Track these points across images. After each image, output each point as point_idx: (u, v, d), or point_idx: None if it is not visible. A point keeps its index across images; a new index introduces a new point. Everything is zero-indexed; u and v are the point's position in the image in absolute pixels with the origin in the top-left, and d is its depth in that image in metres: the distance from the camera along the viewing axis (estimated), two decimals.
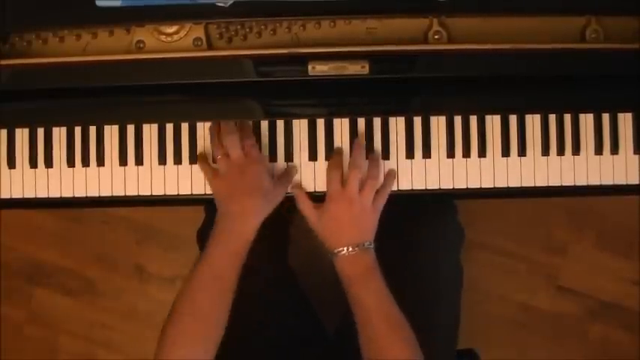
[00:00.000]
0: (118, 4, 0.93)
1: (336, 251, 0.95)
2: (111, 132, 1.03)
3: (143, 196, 1.03)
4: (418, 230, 1.10)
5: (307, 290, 1.20)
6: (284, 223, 1.21)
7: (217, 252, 0.93)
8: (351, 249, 0.94)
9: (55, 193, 1.03)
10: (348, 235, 0.95)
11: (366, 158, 1.01)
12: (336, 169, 0.98)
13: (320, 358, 1.10)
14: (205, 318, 0.90)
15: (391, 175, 1.01)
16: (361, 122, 1.03)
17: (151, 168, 1.03)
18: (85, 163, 1.03)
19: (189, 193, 1.03)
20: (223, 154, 0.97)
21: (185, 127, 1.03)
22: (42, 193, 1.04)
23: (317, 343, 1.14)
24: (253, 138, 0.99)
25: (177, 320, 0.90)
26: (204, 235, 1.16)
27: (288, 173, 1.01)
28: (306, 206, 0.99)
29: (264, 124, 1.02)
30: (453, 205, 1.17)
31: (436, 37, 0.99)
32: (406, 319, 0.93)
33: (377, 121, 1.03)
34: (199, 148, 1.03)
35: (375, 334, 0.92)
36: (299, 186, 1.01)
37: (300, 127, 1.03)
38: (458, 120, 1.03)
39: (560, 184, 1.03)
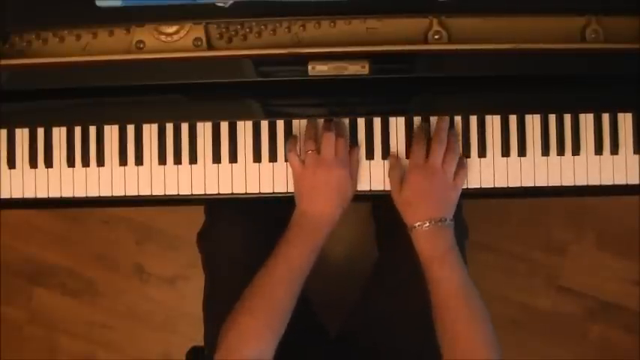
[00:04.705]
0: (118, 4, 0.93)
1: (416, 225, 0.93)
2: (111, 132, 1.03)
3: (143, 196, 1.03)
4: None
5: (309, 292, 1.20)
6: (286, 225, 1.21)
7: (296, 252, 0.94)
8: (430, 223, 0.92)
9: (55, 193, 1.03)
10: (428, 208, 0.93)
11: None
12: (422, 142, 0.97)
13: (320, 359, 1.10)
14: (282, 312, 0.92)
15: (463, 160, 1.00)
16: (361, 122, 1.02)
17: (150, 168, 1.03)
18: (85, 163, 1.03)
19: (189, 193, 1.03)
20: (314, 150, 0.96)
21: (185, 127, 1.03)
22: (42, 193, 1.03)
23: (318, 345, 1.14)
24: (347, 138, 0.98)
25: (249, 318, 0.90)
26: (204, 238, 1.16)
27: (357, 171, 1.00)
28: (395, 173, 0.98)
29: (264, 124, 1.02)
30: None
31: (436, 37, 0.99)
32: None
33: (377, 121, 1.03)
34: (199, 148, 1.02)
35: (453, 319, 0.90)
36: (394, 155, 1.00)
37: (301, 127, 1.03)
38: (458, 120, 1.02)
39: (560, 184, 1.03)
